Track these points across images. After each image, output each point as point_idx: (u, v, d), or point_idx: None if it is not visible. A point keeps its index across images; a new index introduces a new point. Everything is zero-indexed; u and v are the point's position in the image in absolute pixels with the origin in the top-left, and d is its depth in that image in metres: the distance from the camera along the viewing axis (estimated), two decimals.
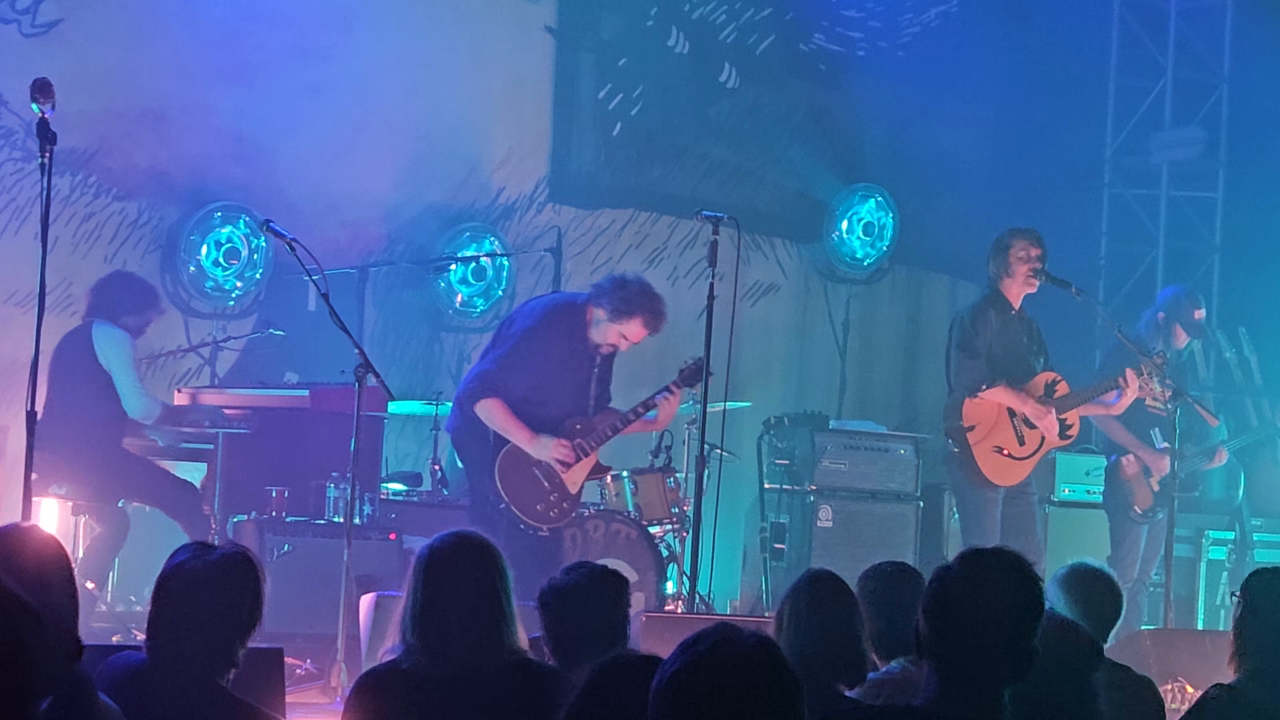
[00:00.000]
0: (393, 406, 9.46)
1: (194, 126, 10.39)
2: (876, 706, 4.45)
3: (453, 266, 11.42)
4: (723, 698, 2.88)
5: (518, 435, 8.44)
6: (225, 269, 10.65)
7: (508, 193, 11.76)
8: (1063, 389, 9.34)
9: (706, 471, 8.58)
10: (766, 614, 7.54)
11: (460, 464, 9.24)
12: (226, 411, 9.46)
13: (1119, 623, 5.51)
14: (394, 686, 4.41)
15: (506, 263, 11.61)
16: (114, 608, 9.31)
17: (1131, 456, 10.05)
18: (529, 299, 9.47)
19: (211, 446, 9.35)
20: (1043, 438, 9.27)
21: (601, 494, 9.78)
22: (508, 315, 9.07)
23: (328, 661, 7.86)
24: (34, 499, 6.97)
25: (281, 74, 10.60)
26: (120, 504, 8.99)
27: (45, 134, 6.28)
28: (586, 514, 9.25)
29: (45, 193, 6.24)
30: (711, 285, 8.46)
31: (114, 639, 8.17)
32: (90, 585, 8.72)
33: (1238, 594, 5.10)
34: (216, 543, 4.41)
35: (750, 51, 12.71)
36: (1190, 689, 7.60)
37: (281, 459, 9.30)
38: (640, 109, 12.25)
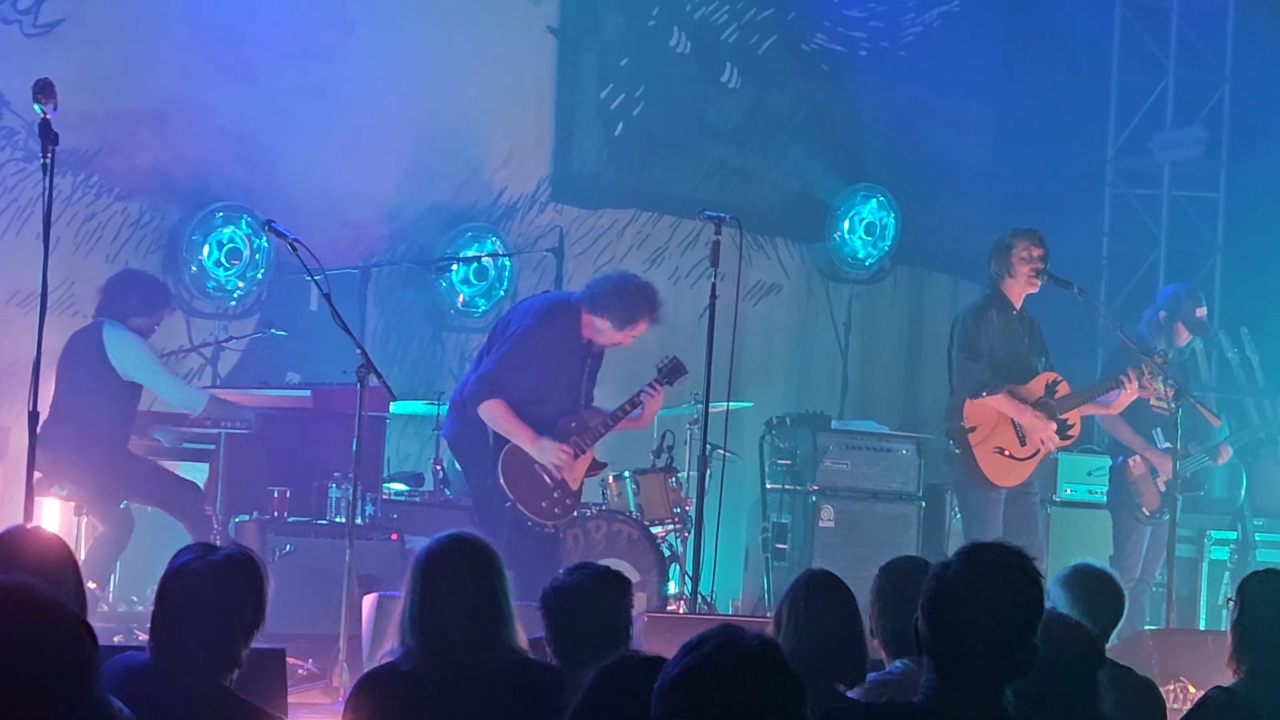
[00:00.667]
0: (395, 407, 9.46)
1: (196, 127, 10.39)
2: (876, 705, 4.44)
3: (454, 267, 11.42)
4: (724, 700, 2.88)
5: (520, 436, 8.45)
6: (227, 269, 10.66)
7: (509, 193, 11.76)
8: (1064, 389, 9.34)
9: (708, 471, 8.60)
10: (768, 614, 7.53)
11: (459, 468, 9.25)
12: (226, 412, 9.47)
13: (1121, 623, 5.51)
14: (394, 688, 4.41)
15: (508, 263, 11.61)
16: (116, 608, 9.30)
17: (1138, 458, 10.05)
18: (523, 299, 9.48)
19: (213, 447, 9.36)
20: (1041, 444, 9.26)
21: (603, 494, 9.79)
22: (503, 316, 9.07)
23: (330, 662, 7.86)
24: (36, 499, 6.97)
25: (283, 74, 10.61)
26: (123, 505, 8.99)
27: (47, 134, 6.29)
28: (588, 514, 9.26)
29: (47, 193, 6.25)
30: (713, 285, 8.47)
31: (116, 639, 8.16)
32: (92, 585, 8.71)
33: (1233, 598, 5.11)
34: (219, 543, 4.41)
35: (752, 51, 12.71)
36: (1192, 689, 7.60)
37: (283, 459, 9.30)
38: (642, 109, 12.25)
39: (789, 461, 10.47)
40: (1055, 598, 5.34)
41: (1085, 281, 9.96)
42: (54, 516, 9.05)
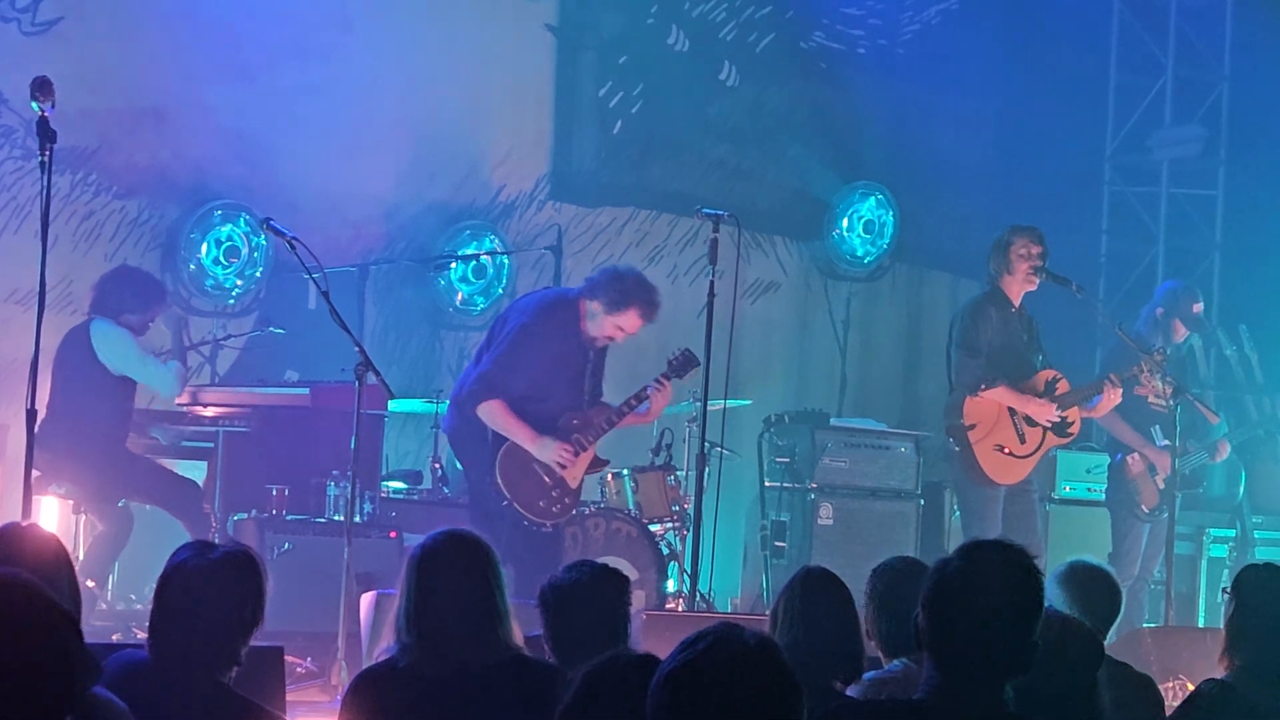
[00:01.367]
0: (393, 405, 9.46)
1: (194, 125, 10.39)
2: (874, 702, 4.44)
3: (453, 264, 11.42)
4: (719, 697, 2.87)
5: (520, 435, 8.44)
6: (225, 267, 10.65)
7: (508, 191, 11.76)
8: (1063, 387, 9.34)
9: (707, 469, 8.59)
10: (767, 612, 7.53)
11: (459, 464, 9.25)
12: (225, 410, 9.47)
13: (1118, 620, 5.51)
14: (390, 685, 4.41)
15: (507, 261, 11.61)
16: (115, 606, 9.31)
17: (1137, 455, 10.05)
18: (521, 296, 9.47)
19: (212, 445, 9.36)
20: (1043, 435, 9.27)
21: (602, 492, 9.79)
22: (501, 313, 9.06)
23: (328, 660, 7.86)
24: (35, 498, 6.97)
25: (282, 72, 10.61)
26: (122, 503, 8.98)
27: (45, 132, 6.29)
28: (587, 512, 9.25)
29: (45, 191, 6.24)
30: (712, 283, 8.47)
31: (114, 637, 8.17)
32: (91, 584, 8.72)
33: (1229, 591, 5.11)
34: (218, 541, 4.41)
35: (750, 49, 12.71)
36: (1190, 686, 7.57)
37: (282, 457, 9.30)
38: (640, 107, 12.25)
39: (788, 459, 10.47)
40: (1052, 595, 5.34)
41: (1084, 279, 9.97)
42: (52, 515, 9.04)
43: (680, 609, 9.01)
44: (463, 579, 4.46)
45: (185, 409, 9.59)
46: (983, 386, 9.17)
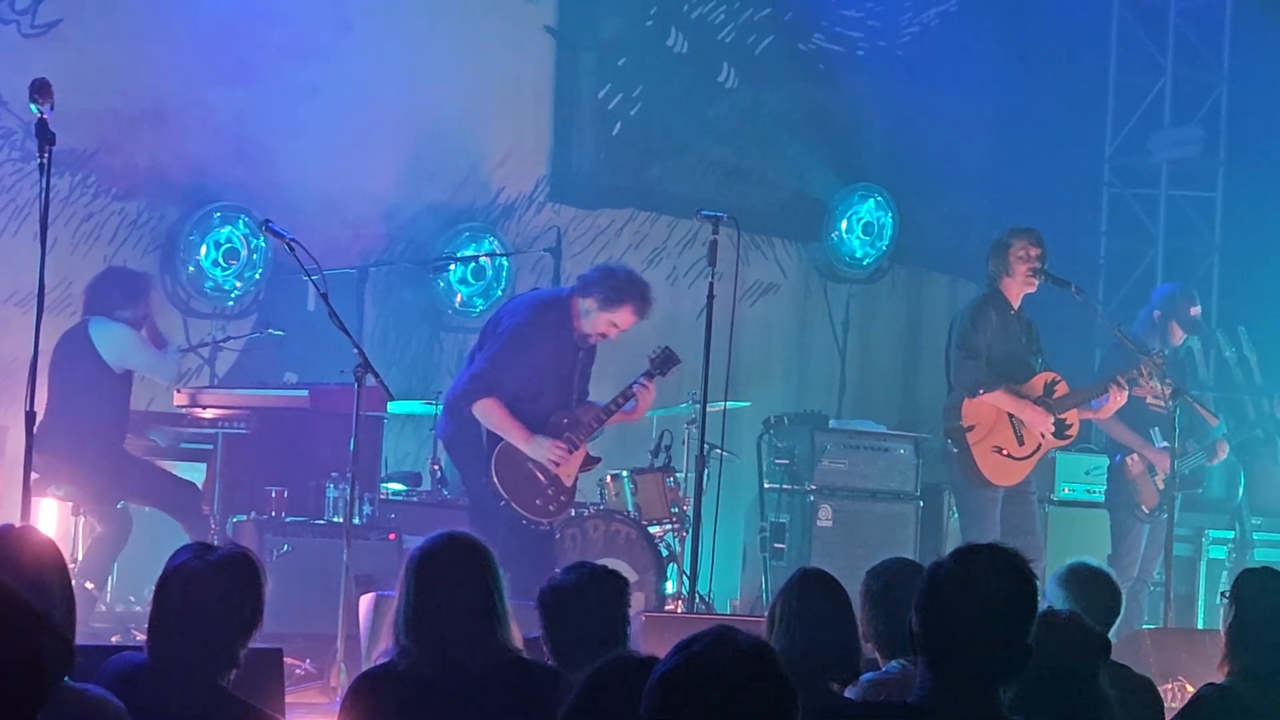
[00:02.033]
0: (392, 406, 9.46)
1: (193, 126, 10.39)
2: (868, 704, 4.44)
3: (452, 266, 11.42)
4: (713, 701, 2.86)
5: (514, 435, 8.44)
6: (224, 269, 10.65)
7: (507, 192, 11.76)
8: (1062, 389, 9.34)
9: (706, 471, 8.59)
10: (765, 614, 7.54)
11: (455, 467, 9.25)
12: (224, 412, 9.47)
13: (1118, 621, 5.51)
14: (389, 688, 4.41)
15: (506, 262, 11.61)
16: (114, 608, 9.31)
17: (1136, 456, 10.05)
18: (514, 296, 9.47)
19: (211, 447, 9.36)
20: (1042, 437, 9.27)
21: (601, 494, 9.79)
22: (494, 314, 9.07)
23: (327, 661, 7.86)
24: (33, 499, 6.97)
25: (281, 74, 10.61)
26: (120, 505, 8.98)
27: (44, 134, 6.28)
28: (586, 514, 9.26)
29: (44, 193, 6.24)
30: (711, 285, 8.47)
31: (113, 639, 8.17)
32: (90, 585, 8.72)
33: (1226, 595, 5.11)
34: (217, 543, 4.41)
35: (749, 51, 12.71)
36: (1190, 688, 7.59)
37: (281, 459, 9.30)
38: (639, 109, 12.25)
39: (787, 461, 10.47)
40: (1052, 596, 5.35)
41: (1083, 281, 9.97)
42: (51, 517, 9.04)
43: (679, 610, 9.01)
44: (461, 582, 4.46)
45: (184, 411, 9.59)
46: (981, 389, 9.17)
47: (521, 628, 4.63)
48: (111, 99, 10.14)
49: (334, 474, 9.07)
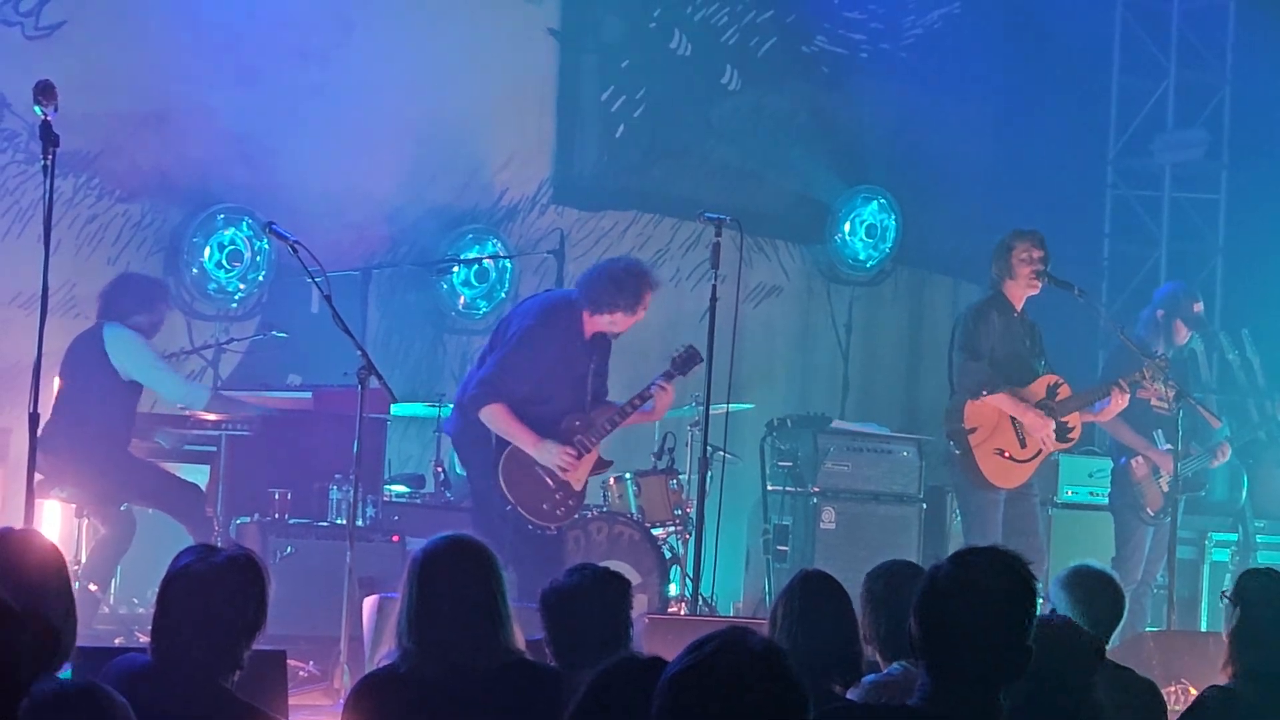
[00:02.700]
0: (395, 408, 9.46)
1: (197, 128, 10.39)
2: (869, 706, 4.45)
3: (455, 268, 11.42)
4: (724, 702, 2.87)
5: (523, 439, 8.43)
6: (228, 271, 10.66)
7: (510, 194, 11.76)
8: (1064, 392, 9.34)
9: (709, 473, 8.59)
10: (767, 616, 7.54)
11: (461, 467, 9.24)
12: (227, 414, 9.48)
13: (1121, 624, 5.51)
14: (392, 690, 4.42)
15: (509, 265, 11.61)
16: (117, 610, 9.31)
17: (1140, 458, 10.05)
18: (524, 299, 9.47)
19: (214, 449, 9.36)
20: (1043, 442, 9.27)
21: (604, 496, 9.78)
22: (504, 317, 9.06)
23: (330, 663, 7.86)
24: (37, 501, 6.98)
25: (284, 76, 10.61)
26: (124, 507, 8.98)
27: (48, 136, 6.29)
28: (589, 516, 9.25)
29: (48, 195, 6.25)
30: (714, 287, 8.47)
31: (116, 641, 8.18)
32: (93, 587, 8.73)
33: (1228, 597, 5.11)
34: (220, 545, 4.42)
35: (752, 53, 12.71)
36: (1193, 691, 7.59)
37: (284, 461, 9.30)
38: (643, 111, 12.25)
39: (790, 463, 10.47)
40: (1055, 599, 5.35)
41: (1086, 283, 9.96)
42: (55, 519, 9.05)
43: (682, 613, 9.00)
44: (464, 583, 4.46)
45: (188, 413, 9.58)
46: (984, 391, 9.16)
47: (526, 630, 4.64)
48: (115, 101, 10.15)
49: (337, 476, 9.07)
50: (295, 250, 7.90)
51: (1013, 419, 9.23)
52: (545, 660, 4.70)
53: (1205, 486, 10.57)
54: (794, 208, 12.93)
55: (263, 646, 4.33)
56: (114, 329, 8.89)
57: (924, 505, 10.60)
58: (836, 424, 10.85)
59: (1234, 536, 11.45)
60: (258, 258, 10.70)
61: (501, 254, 11.54)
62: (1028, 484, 9.32)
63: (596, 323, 8.56)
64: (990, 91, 13.32)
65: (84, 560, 8.90)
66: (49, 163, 6.28)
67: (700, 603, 8.79)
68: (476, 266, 11.53)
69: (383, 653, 4.65)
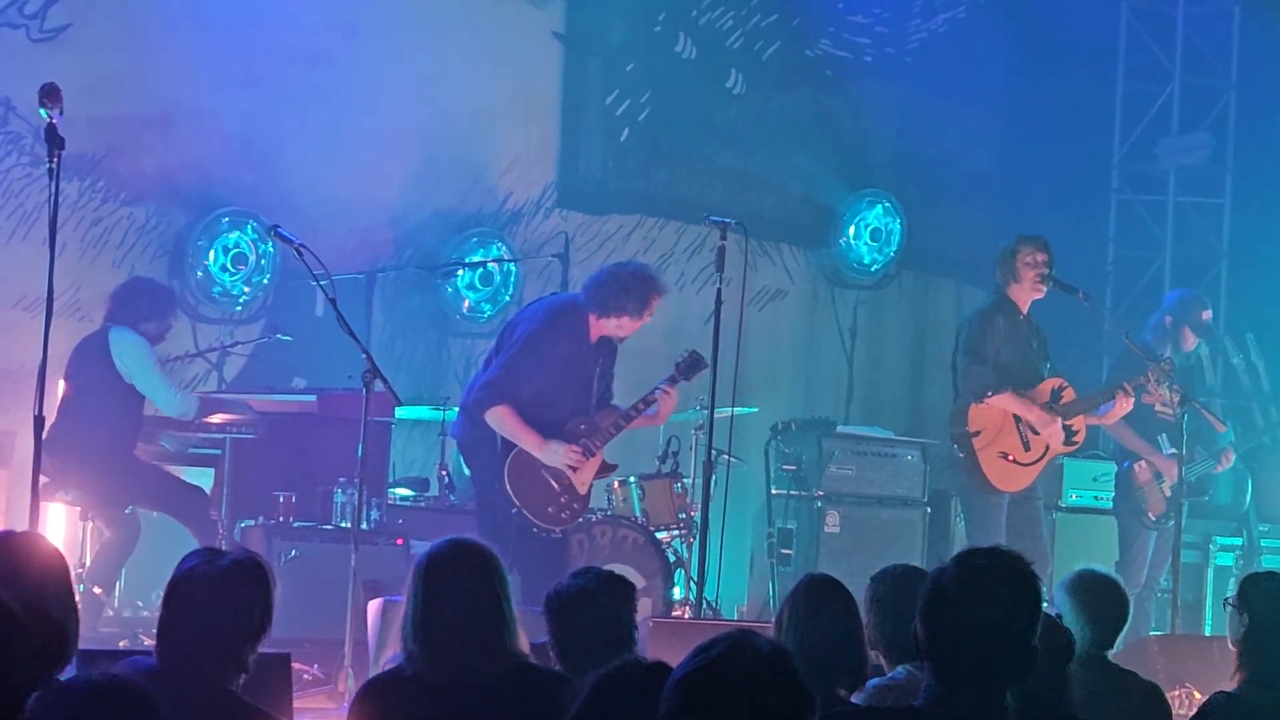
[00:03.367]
0: (400, 412, 9.46)
1: (202, 131, 10.40)
2: (874, 709, 4.45)
3: (460, 272, 11.42)
4: (732, 704, 2.88)
5: (528, 441, 8.44)
6: (233, 274, 10.66)
7: (515, 198, 11.76)
8: (1069, 395, 9.33)
9: (713, 477, 8.58)
10: (772, 619, 7.54)
11: (467, 470, 9.24)
12: (232, 417, 9.49)
13: (1126, 628, 5.51)
14: (397, 694, 4.42)
15: (514, 268, 11.61)
16: (121, 613, 9.31)
17: (1144, 463, 10.05)
18: (530, 302, 9.48)
19: (219, 452, 9.37)
20: (1049, 443, 9.27)
21: (609, 499, 9.79)
22: (510, 320, 9.07)
23: (335, 666, 7.87)
24: (42, 504, 6.98)
25: (289, 79, 10.62)
26: (129, 510, 8.99)
27: (53, 139, 6.29)
28: (594, 519, 9.25)
29: (53, 198, 6.25)
30: (719, 291, 8.47)
31: (121, 644, 8.18)
32: (98, 590, 8.73)
33: (1233, 604, 5.10)
34: (225, 548, 4.42)
35: (757, 57, 12.72)
36: (1197, 695, 7.60)
37: (289, 464, 9.31)
38: (648, 114, 12.25)
39: (794, 467, 10.47)
40: (1060, 603, 5.35)
41: (1091, 287, 9.96)
42: (60, 521, 9.05)
43: (686, 616, 9.01)
44: (468, 587, 4.46)
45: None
46: (989, 394, 9.16)
47: (530, 633, 4.63)
48: (120, 104, 10.15)
49: (342, 479, 9.07)
50: (300, 253, 7.90)
51: (1017, 422, 9.23)
52: (549, 664, 4.70)
53: (1209, 492, 10.57)
54: (798, 211, 12.93)
55: (267, 649, 4.33)
56: (120, 333, 8.89)
57: (928, 509, 10.60)
58: (841, 428, 10.85)
59: (1238, 541, 11.45)
60: (262, 261, 10.71)
61: (506, 257, 11.54)
62: (1031, 487, 9.32)
63: (602, 326, 8.56)
64: (995, 95, 13.32)
65: (88, 563, 8.90)
66: (54, 166, 6.29)
67: (704, 606, 8.79)
68: (481, 270, 11.53)
69: (387, 656, 4.65)
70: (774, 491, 10.49)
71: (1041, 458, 9.29)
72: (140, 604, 9.47)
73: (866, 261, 13.21)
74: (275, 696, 4.68)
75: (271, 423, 9.38)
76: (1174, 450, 9.62)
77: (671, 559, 9.46)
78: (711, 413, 8.62)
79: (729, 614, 10.46)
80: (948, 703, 3.60)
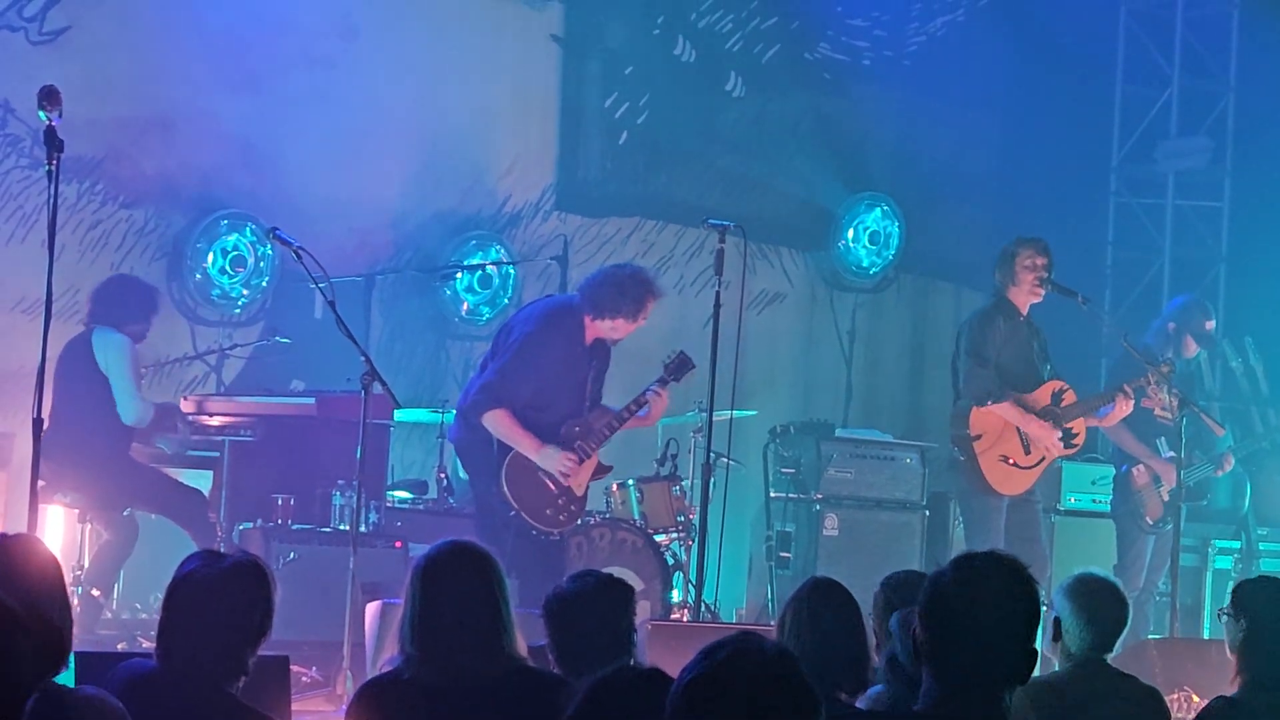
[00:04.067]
0: (399, 414, 9.46)
1: (201, 134, 10.40)
2: (875, 713, 4.45)
3: (459, 274, 11.42)
4: (737, 708, 2.88)
5: (524, 445, 8.45)
6: (232, 277, 10.66)
7: (514, 201, 11.76)
8: (1069, 398, 9.33)
9: (712, 480, 8.58)
10: (771, 622, 7.54)
11: (464, 474, 9.25)
12: (231, 419, 9.49)
13: (1125, 632, 5.50)
14: (395, 696, 4.42)
15: (513, 271, 11.61)
16: (119, 615, 9.31)
17: (1142, 466, 10.05)
18: (525, 304, 9.48)
19: (218, 454, 9.37)
20: (1047, 451, 9.26)
21: (607, 502, 9.79)
22: (505, 323, 9.08)
23: (333, 669, 7.86)
24: (40, 506, 6.98)
25: (288, 82, 10.62)
26: (127, 512, 8.99)
27: (52, 141, 6.29)
28: (592, 522, 9.26)
29: (52, 200, 6.25)
30: (717, 294, 8.48)
31: (119, 646, 8.17)
32: (96, 593, 8.73)
33: (1228, 612, 5.10)
34: (224, 551, 4.42)
35: (756, 60, 12.72)
36: (1196, 698, 7.59)
37: (287, 467, 9.31)
38: (646, 117, 12.25)
39: (793, 470, 10.46)
40: (1059, 607, 5.34)
41: (1089, 290, 9.96)
42: (58, 524, 9.05)
43: (685, 619, 9.01)
44: (467, 589, 4.46)
45: (191, 418, 9.59)
46: (990, 400, 9.16)
47: (528, 636, 4.63)
48: (119, 106, 10.15)
49: (340, 482, 9.07)
50: (299, 256, 7.90)
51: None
52: (548, 667, 4.70)
53: (1207, 496, 10.57)
54: (797, 214, 12.93)
55: (266, 652, 4.33)
56: (105, 333, 8.89)
57: (927, 512, 10.60)
58: (839, 431, 10.85)
59: (1237, 544, 11.45)
60: (261, 263, 10.71)
61: (505, 260, 11.55)
62: (1031, 490, 9.32)
63: (597, 328, 8.57)
64: (993, 98, 13.32)
65: (86, 565, 8.90)
66: (53, 168, 6.28)
67: (703, 609, 8.79)
68: (480, 272, 11.53)
69: (385, 658, 4.64)
70: (773, 494, 10.49)
71: (1041, 461, 9.30)
72: (139, 606, 9.47)
73: (865, 264, 13.21)
74: (273, 699, 4.68)
75: (270, 425, 9.38)
76: (1172, 454, 9.62)
77: (670, 562, 9.46)
78: (710, 415, 8.63)
79: (727, 617, 10.46)
80: (948, 705, 3.61)
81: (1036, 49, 13.17)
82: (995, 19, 13.26)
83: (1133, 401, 9.36)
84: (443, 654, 4.41)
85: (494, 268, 11.55)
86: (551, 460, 8.46)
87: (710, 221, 8.81)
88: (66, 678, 3.88)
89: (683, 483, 9.81)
